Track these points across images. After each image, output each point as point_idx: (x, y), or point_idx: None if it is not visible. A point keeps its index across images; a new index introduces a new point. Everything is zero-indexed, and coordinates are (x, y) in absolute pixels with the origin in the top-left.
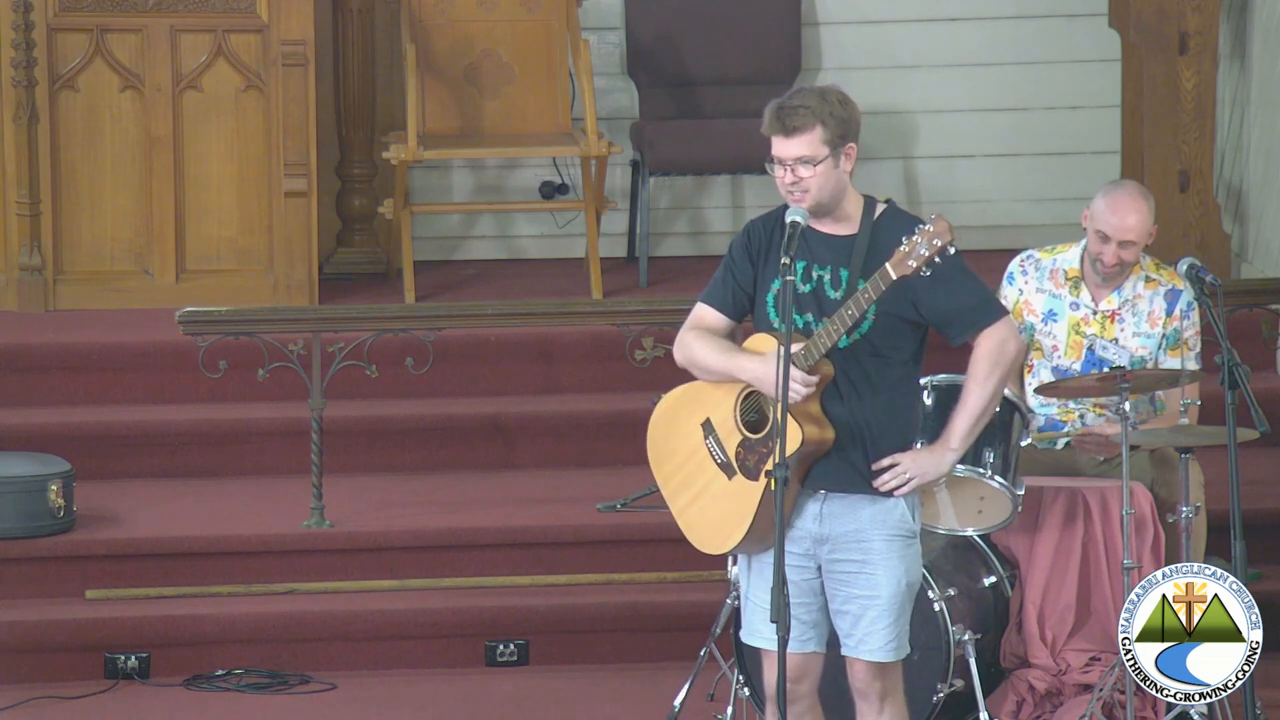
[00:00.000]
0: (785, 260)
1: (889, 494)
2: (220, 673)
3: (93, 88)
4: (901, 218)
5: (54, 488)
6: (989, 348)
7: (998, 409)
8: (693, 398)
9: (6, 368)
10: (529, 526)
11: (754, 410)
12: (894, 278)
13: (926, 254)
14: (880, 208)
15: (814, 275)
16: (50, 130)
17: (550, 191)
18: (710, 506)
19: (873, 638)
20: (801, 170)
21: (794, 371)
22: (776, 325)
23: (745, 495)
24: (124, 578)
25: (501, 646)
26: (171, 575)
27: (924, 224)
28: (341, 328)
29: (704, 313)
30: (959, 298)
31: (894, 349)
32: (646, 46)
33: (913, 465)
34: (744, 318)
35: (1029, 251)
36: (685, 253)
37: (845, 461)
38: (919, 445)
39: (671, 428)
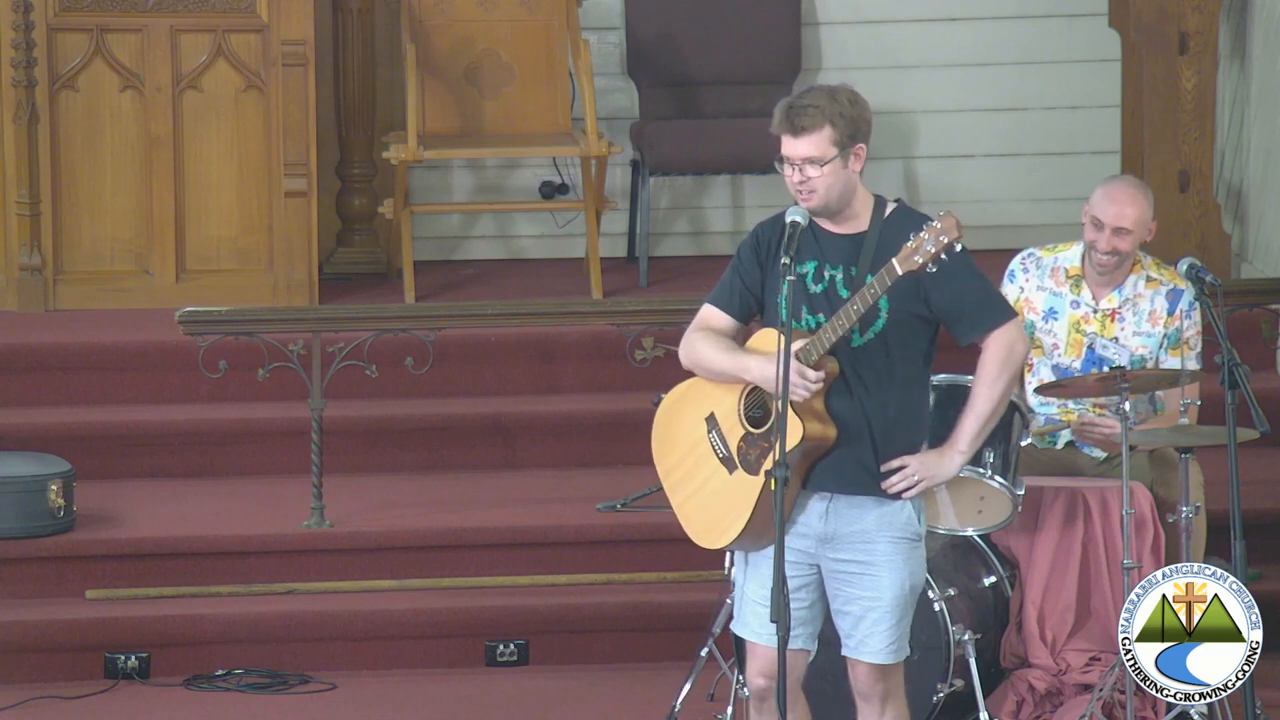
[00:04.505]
0: (785, 260)
1: (896, 496)
2: (220, 673)
3: (93, 88)
4: (912, 217)
5: (54, 488)
6: (997, 349)
7: None
8: (698, 392)
9: (6, 368)
10: (529, 526)
11: (758, 405)
12: (900, 273)
13: (933, 250)
14: (890, 207)
15: (826, 275)
16: (50, 130)
17: (550, 191)
18: (710, 501)
19: (874, 639)
20: (809, 170)
21: (801, 369)
22: (793, 325)
23: (745, 490)
24: (124, 578)
25: (501, 646)
26: (171, 575)
27: (932, 220)
28: (341, 328)
29: (710, 314)
30: (968, 296)
31: (907, 346)
32: (646, 46)
33: (921, 467)
34: (750, 319)
35: (1030, 250)
36: (685, 253)
37: (854, 460)
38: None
39: (675, 421)
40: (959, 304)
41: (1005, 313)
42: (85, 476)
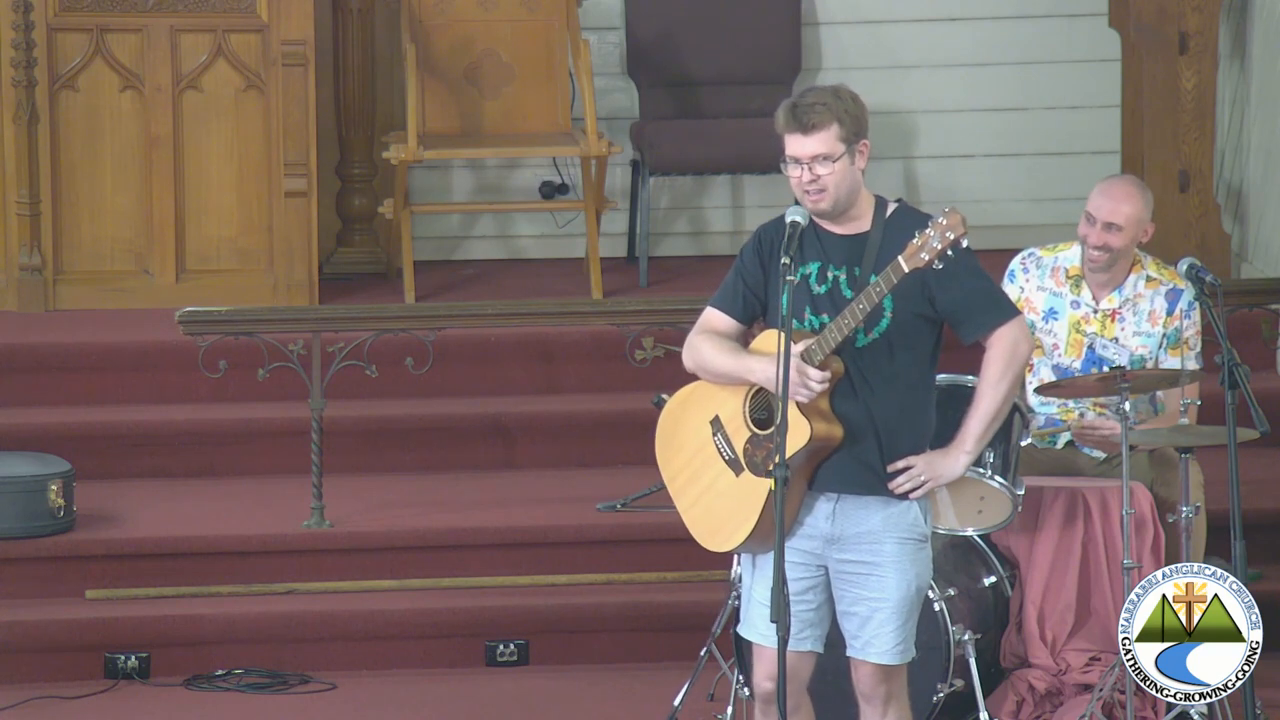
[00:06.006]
0: (785, 260)
1: (903, 496)
2: (220, 673)
3: (93, 88)
4: (914, 215)
5: (54, 488)
6: (1001, 349)
7: None
8: (702, 395)
9: (6, 368)
10: (529, 526)
11: (763, 407)
12: (906, 270)
13: (939, 247)
14: (892, 207)
15: (829, 276)
16: (50, 130)
17: (550, 191)
18: (716, 503)
19: (879, 640)
20: (819, 168)
21: (803, 369)
22: (796, 325)
23: (752, 492)
24: (124, 578)
25: (501, 646)
26: (171, 575)
27: (937, 218)
28: (341, 328)
29: (713, 317)
30: (972, 294)
31: (911, 347)
32: (646, 46)
33: (926, 468)
34: (753, 322)
35: (1030, 249)
36: (685, 253)
37: (859, 461)
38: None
39: (680, 424)
40: (963, 303)
41: (1009, 312)
42: (85, 476)
